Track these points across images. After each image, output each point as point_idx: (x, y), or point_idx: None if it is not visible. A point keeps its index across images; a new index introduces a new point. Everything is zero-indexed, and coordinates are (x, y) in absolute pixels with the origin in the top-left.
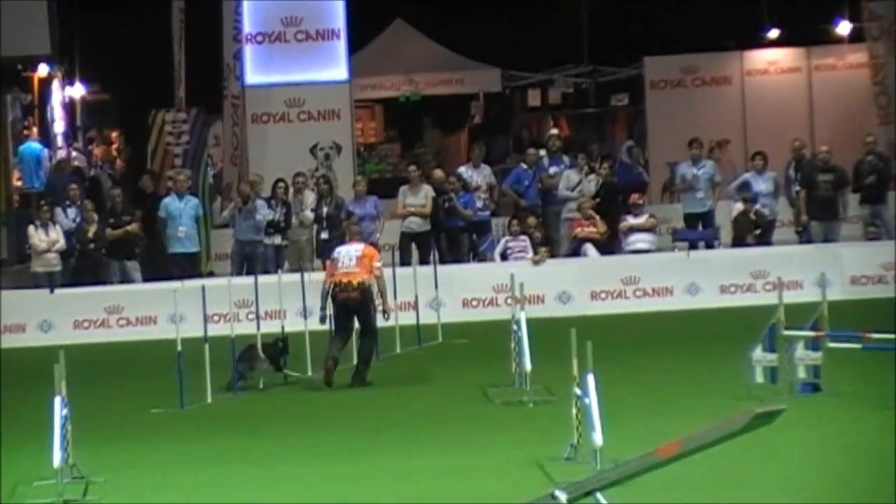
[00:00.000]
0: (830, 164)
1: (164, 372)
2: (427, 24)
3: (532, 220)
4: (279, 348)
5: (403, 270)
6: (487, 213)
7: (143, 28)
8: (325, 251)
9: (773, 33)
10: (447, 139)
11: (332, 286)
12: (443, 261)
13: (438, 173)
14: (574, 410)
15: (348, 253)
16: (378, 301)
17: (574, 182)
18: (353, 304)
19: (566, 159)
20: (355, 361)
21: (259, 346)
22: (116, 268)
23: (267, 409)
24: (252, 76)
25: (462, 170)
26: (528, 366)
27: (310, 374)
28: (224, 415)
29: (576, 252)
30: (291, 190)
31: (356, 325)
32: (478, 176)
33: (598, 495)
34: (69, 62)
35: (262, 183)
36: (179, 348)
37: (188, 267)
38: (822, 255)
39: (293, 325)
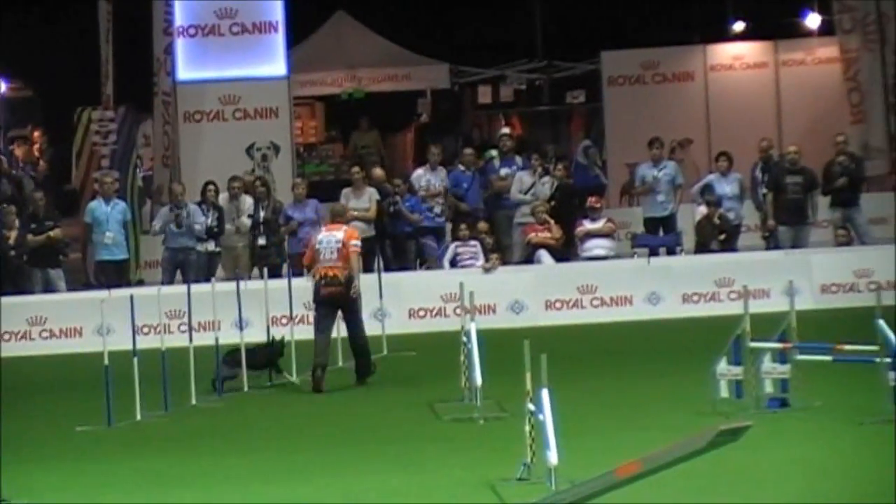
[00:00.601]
0: (799, 166)
1: (90, 387)
2: (371, 16)
3: (483, 226)
4: (274, 351)
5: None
6: (443, 219)
7: (67, 20)
8: (262, 258)
9: (739, 26)
10: (393, 139)
11: (317, 280)
12: (388, 268)
13: (378, 172)
14: (528, 427)
15: (329, 244)
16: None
17: (527, 185)
18: (338, 299)
19: (519, 160)
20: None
21: (242, 350)
22: (39, 276)
23: (202, 426)
24: (184, 72)
25: (419, 172)
26: (478, 380)
27: (246, 389)
28: (155, 433)
29: (529, 259)
30: (226, 194)
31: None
32: (435, 179)
33: None
34: None
35: (185, 192)
36: (107, 362)
37: (116, 275)
38: (790, 262)
39: (228, 336)
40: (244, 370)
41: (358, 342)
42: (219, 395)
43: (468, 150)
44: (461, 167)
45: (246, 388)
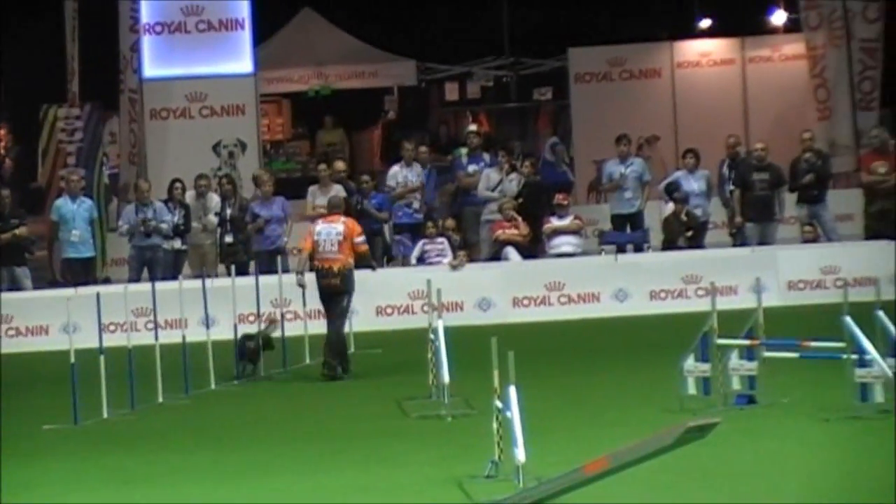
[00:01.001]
0: (766, 163)
1: (56, 385)
2: (337, 13)
3: (450, 222)
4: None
5: (313, 276)
6: (421, 215)
7: (32, 17)
8: (228, 255)
9: (706, 23)
10: (360, 136)
11: (316, 269)
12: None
13: (339, 164)
14: (495, 425)
15: (329, 235)
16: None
17: (494, 182)
18: (333, 291)
19: (486, 157)
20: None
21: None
22: (5, 274)
23: (169, 424)
24: (150, 69)
25: (395, 169)
26: (446, 377)
27: (213, 386)
28: (122, 431)
29: (497, 256)
30: (193, 192)
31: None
32: (412, 175)
33: None
34: None
35: (151, 190)
36: (73, 360)
37: (82, 273)
38: (757, 259)
39: (195, 334)
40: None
41: (332, 338)
42: (238, 381)
43: (423, 148)
44: (417, 165)
45: (213, 386)
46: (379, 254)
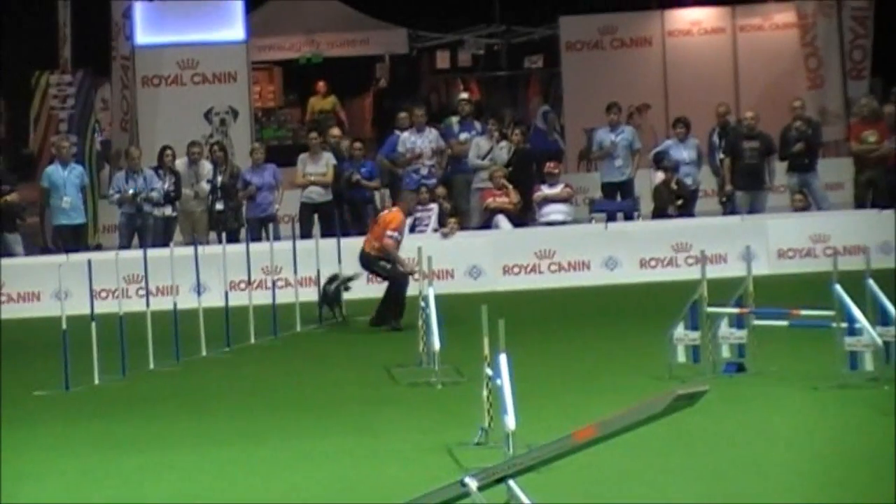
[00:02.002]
0: (756, 131)
1: (48, 351)
2: None
3: (441, 190)
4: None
5: (304, 243)
6: (433, 180)
7: None
8: (219, 223)
9: None
10: (351, 103)
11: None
12: (346, 233)
13: (335, 131)
14: (485, 392)
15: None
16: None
17: (485, 150)
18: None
19: (477, 125)
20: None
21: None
22: None
23: (159, 391)
24: (142, 36)
25: (405, 135)
26: (436, 345)
27: (203, 353)
28: (113, 397)
29: (487, 224)
30: (185, 159)
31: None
32: (422, 141)
33: (511, 482)
34: None
35: (142, 157)
36: (64, 326)
37: (73, 239)
38: (747, 227)
39: (186, 301)
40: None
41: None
42: (320, 324)
43: (402, 114)
44: (398, 132)
45: (204, 353)
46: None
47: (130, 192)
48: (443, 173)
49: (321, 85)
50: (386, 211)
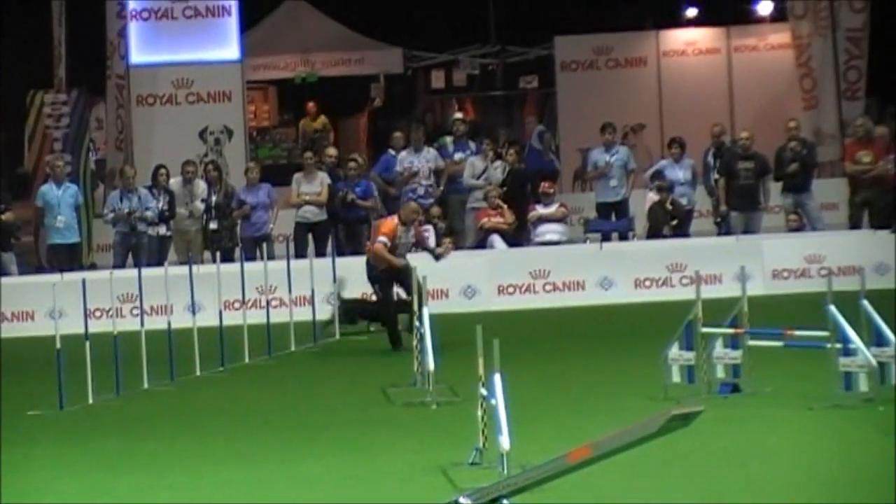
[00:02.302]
0: (751, 151)
1: (42, 371)
2: (324, 0)
3: (435, 210)
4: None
5: (299, 263)
6: (430, 200)
7: (20, 2)
8: (214, 242)
9: (691, 12)
10: (346, 123)
11: (382, 267)
12: (341, 252)
13: (332, 150)
14: (480, 412)
15: (407, 240)
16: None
17: (479, 169)
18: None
19: (472, 145)
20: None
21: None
22: None
23: (153, 410)
24: (137, 55)
25: (403, 154)
26: (431, 365)
27: (198, 373)
28: (107, 417)
29: (482, 244)
30: (180, 178)
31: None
32: (419, 161)
33: (505, 502)
34: None
35: (136, 176)
36: (59, 345)
37: (68, 259)
38: (742, 248)
39: (181, 320)
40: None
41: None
42: (314, 343)
43: (397, 134)
44: (391, 151)
45: (198, 372)
46: (365, 240)
47: (125, 210)
48: (440, 194)
49: (311, 106)
50: (383, 218)
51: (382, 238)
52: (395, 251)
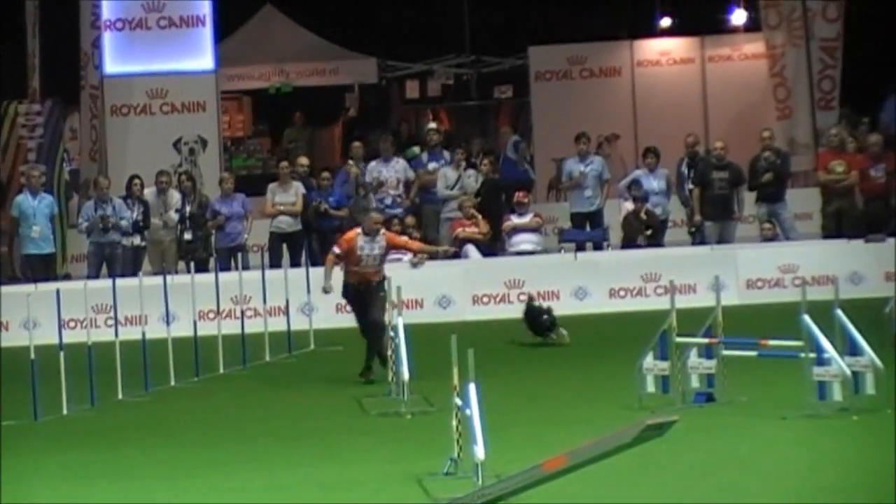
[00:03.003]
0: (725, 161)
1: (16, 381)
2: (298, 10)
3: (410, 220)
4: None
5: (273, 273)
6: (400, 210)
7: None
8: (188, 252)
9: (666, 22)
10: (320, 133)
11: (351, 283)
12: (315, 262)
13: (303, 160)
14: (455, 422)
15: (371, 251)
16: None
17: (452, 179)
18: (370, 287)
19: (447, 154)
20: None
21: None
22: None
23: (128, 420)
24: (111, 65)
25: (373, 164)
26: (405, 374)
27: (172, 383)
28: (82, 427)
29: (457, 254)
30: (154, 188)
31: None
32: (388, 171)
33: None
34: None
35: (110, 186)
36: (33, 356)
37: (42, 269)
38: (716, 257)
39: (155, 330)
40: None
41: (372, 325)
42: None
43: (356, 144)
44: (350, 162)
45: (173, 382)
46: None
47: (98, 213)
48: (410, 204)
49: (297, 116)
50: (380, 239)
51: (335, 248)
52: (358, 263)
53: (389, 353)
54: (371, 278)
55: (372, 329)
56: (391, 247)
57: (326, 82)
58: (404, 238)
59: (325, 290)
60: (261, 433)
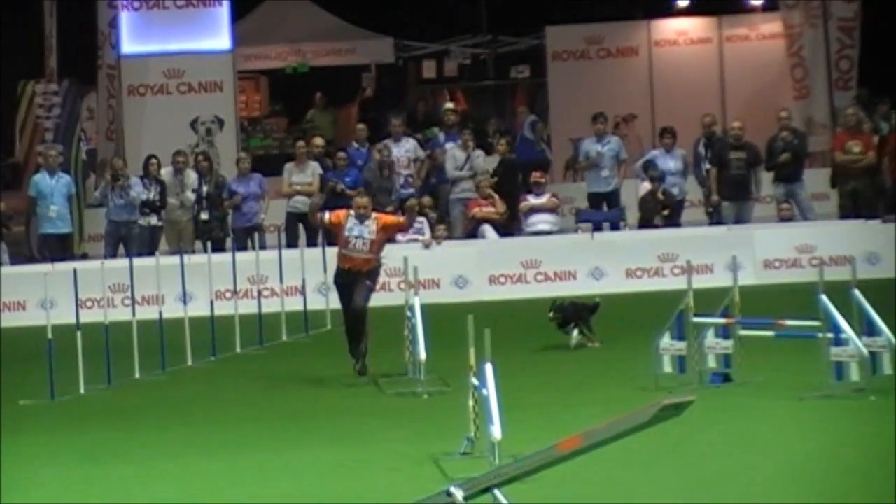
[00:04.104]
0: (742, 141)
1: (33, 361)
2: None
3: (426, 200)
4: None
5: (290, 252)
6: (411, 190)
7: None
8: (205, 232)
9: (683, 2)
10: (337, 113)
11: (339, 268)
12: (331, 242)
13: (318, 140)
14: (471, 402)
15: (361, 234)
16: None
17: (461, 160)
18: (357, 274)
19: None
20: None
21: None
22: None
23: (144, 400)
24: (129, 45)
25: (382, 145)
26: (422, 355)
27: (189, 363)
28: (98, 407)
29: (473, 233)
30: (170, 168)
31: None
32: (398, 150)
33: (497, 492)
34: None
35: (126, 167)
36: (50, 336)
37: (60, 248)
38: (733, 238)
39: (172, 310)
40: None
41: (355, 313)
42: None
43: (360, 126)
44: (355, 144)
45: (189, 362)
46: None
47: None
48: (423, 184)
49: (319, 97)
50: (369, 223)
51: (325, 212)
52: (346, 245)
53: (406, 333)
54: (361, 267)
55: (353, 317)
56: (386, 231)
57: (343, 62)
58: (393, 217)
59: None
60: (277, 413)
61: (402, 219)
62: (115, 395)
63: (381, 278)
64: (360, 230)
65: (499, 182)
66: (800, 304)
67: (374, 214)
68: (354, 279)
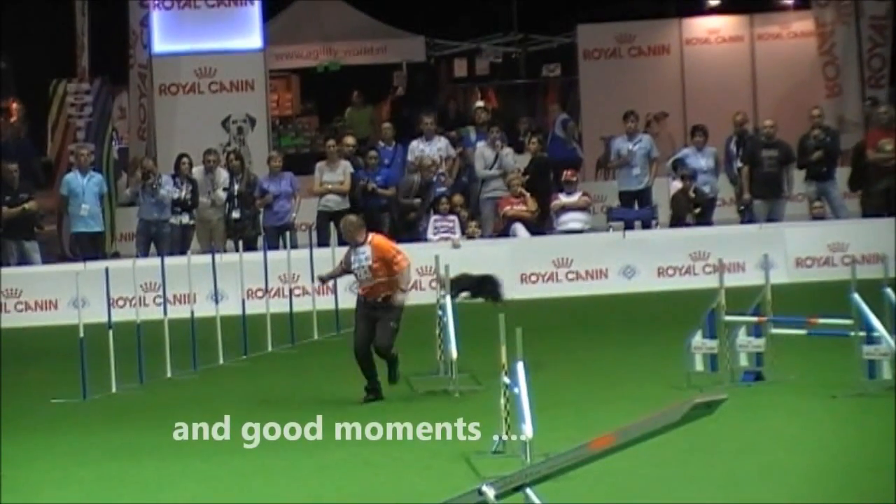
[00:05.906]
0: (774, 139)
1: (65, 360)
2: None
3: (458, 199)
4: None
5: (321, 251)
6: (442, 188)
7: None
8: (236, 231)
9: (714, 0)
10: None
11: (360, 294)
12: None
13: (349, 139)
14: (503, 400)
15: (360, 262)
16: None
17: (490, 159)
18: (373, 311)
19: (496, 132)
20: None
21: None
22: (14, 248)
23: (176, 399)
24: (160, 44)
25: (414, 143)
26: (453, 353)
27: (221, 361)
28: (130, 405)
29: (504, 232)
30: (202, 167)
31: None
32: (430, 149)
33: (528, 490)
34: None
35: (156, 167)
36: (82, 334)
37: (91, 247)
38: (765, 236)
39: (203, 309)
40: None
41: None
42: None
43: (386, 125)
44: (381, 143)
45: (221, 361)
46: (385, 230)
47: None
48: (454, 182)
49: (356, 95)
50: (365, 248)
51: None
52: (356, 277)
53: (437, 331)
54: (375, 293)
55: (366, 355)
56: (383, 259)
57: (374, 61)
58: (394, 251)
59: (320, 278)
60: (308, 412)
61: (399, 258)
62: (146, 394)
63: (413, 276)
64: (358, 260)
65: (530, 180)
66: (832, 302)
67: (369, 238)
68: (372, 310)
